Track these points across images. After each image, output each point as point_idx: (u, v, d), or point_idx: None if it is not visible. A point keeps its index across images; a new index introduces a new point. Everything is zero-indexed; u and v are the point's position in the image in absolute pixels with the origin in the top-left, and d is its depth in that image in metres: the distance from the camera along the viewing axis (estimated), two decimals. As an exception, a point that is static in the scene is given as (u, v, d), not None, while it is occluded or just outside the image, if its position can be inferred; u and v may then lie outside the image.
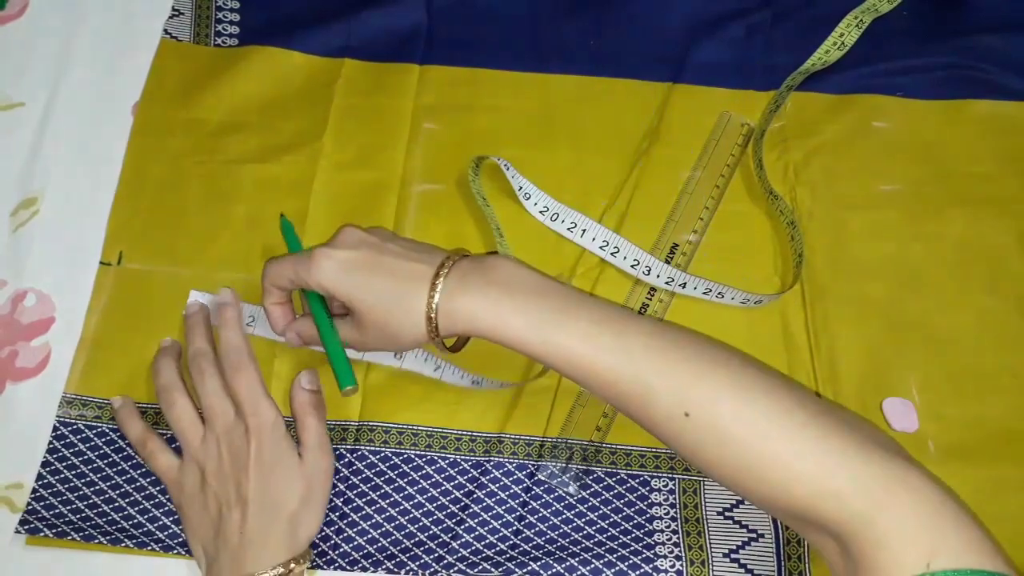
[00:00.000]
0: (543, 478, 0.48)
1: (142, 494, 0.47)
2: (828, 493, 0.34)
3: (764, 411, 0.36)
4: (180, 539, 0.46)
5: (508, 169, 0.54)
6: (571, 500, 0.48)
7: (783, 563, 0.46)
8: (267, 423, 0.44)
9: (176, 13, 0.61)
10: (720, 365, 0.38)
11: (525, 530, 0.47)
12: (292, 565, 0.42)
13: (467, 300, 0.40)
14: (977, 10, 0.62)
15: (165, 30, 0.61)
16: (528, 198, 0.54)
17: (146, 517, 0.46)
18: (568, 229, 0.54)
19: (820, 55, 0.60)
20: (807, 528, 0.36)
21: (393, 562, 0.45)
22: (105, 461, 0.48)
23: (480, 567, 0.45)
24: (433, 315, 0.40)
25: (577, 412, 0.49)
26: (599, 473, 0.48)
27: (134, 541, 0.45)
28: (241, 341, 0.47)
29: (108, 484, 0.47)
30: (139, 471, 0.48)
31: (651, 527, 0.47)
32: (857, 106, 0.59)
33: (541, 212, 0.54)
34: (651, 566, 0.45)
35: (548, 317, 0.39)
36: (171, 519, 0.46)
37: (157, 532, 0.46)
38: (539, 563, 0.45)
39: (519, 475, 0.48)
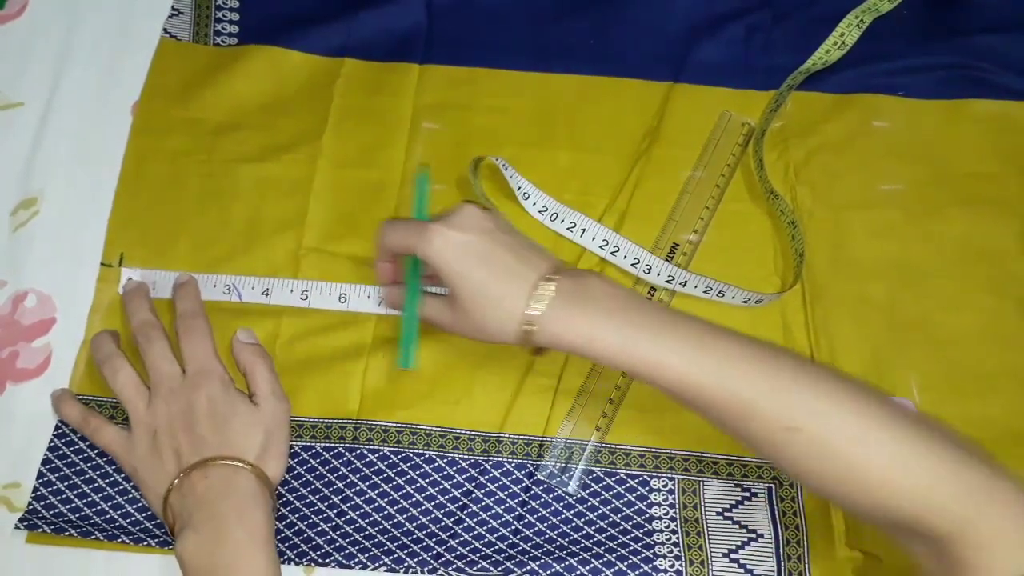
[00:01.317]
0: (542, 478, 0.48)
1: (139, 491, 0.47)
2: (934, 502, 0.35)
3: (869, 425, 0.37)
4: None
5: (506, 169, 0.54)
6: (570, 500, 0.48)
7: (783, 563, 0.46)
8: (215, 378, 0.46)
9: (176, 12, 0.61)
10: (821, 380, 0.38)
11: (524, 529, 0.47)
12: None
13: (563, 315, 0.41)
14: (977, 10, 0.62)
15: (165, 29, 0.61)
16: (527, 198, 0.54)
17: (144, 515, 0.46)
18: (568, 229, 0.54)
19: (820, 55, 0.60)
20: (903, 533, 0.37)
21: (392, 559, 0.45)
22: (105, 458, 0.48)
23: (479, 566, 0.45)
24: (527, 322, 0.41)
25: (576, 412, 0.49)
26: (598, 473, 0.48)
27: (130, 537, 0.45)
28: (198, 308, 0.49)
29: (107, 481, 0.47)
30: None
31: (650, 527, 0.47)
32: (857, 106, 0.59)
33: (540, 212, 0.54)
34: (650, 566, 0.45)
35: (644, 336, 0.40)
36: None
37: (154, 529, 0.46)
38: (538, 562, 0.45)
39: (518, 474, 0.48)
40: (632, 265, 0.52)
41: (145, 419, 0.45)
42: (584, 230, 0.53)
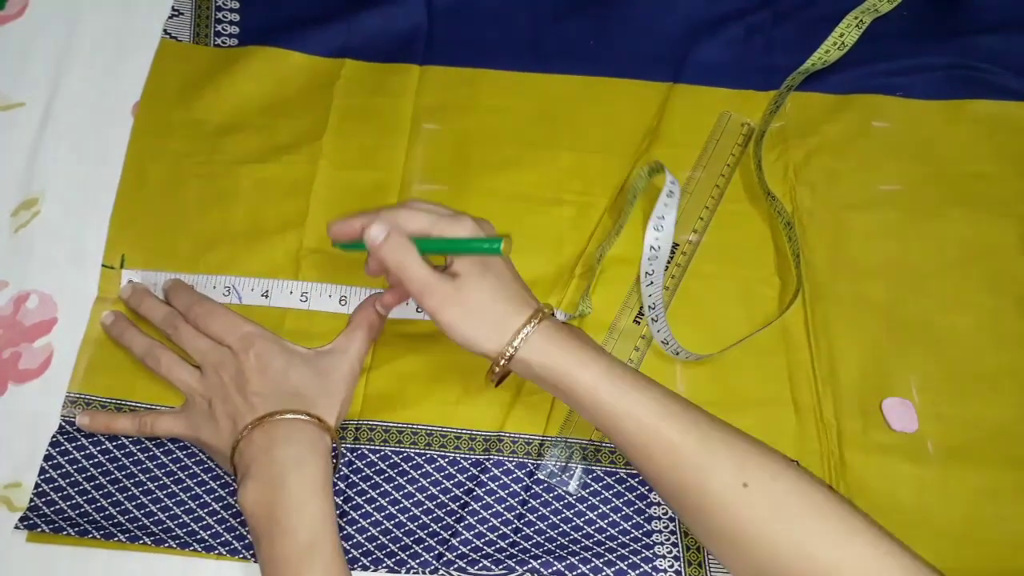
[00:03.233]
0: (543, 477, 0.48)
1: (140, 488, 0.47)
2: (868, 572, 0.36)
3: (814, 490, 0.38)
4: (174, 534, 0.46)
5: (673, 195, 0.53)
6: (571, 499, 0.48)
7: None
8: (257, 337, 0.47)
9: (176, 13, 0.61)
10: (770, 450, 0.40)
11: (525, 528, 0.47)
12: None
13: (552, 347, 0.42)
14: (977, 10, 0.62)
15: (165, 30, 0.61)
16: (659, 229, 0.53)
17: (143, 512, 0.47)
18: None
19: (820, 55, 0.60)
20: None
21: (393, 560, 0.45)
22: (107, 456, 0.48)
23: (480, 564, 0.45)
24: (517, 342, 0.41)
25: (577, 413, 0.49)
26: (598, 472, 0.48)
27: (128, 536, 0.45)
28: (195, 295, 0.50)
29: (108, 479, 0.47)
30: (139, 467, 0.48)
31: (649, 527, 0.47)
32: (857, 106, 0.59)
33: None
34: (650, 565, 0.45)
35: (622, 385, 0.41)
36: (167, 514, 0.47)
37: (152, 527, 0.46)
38: (539, 561, 0.45)
39: (519, 473, 0.48)
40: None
41: (199, 390, 0.47)
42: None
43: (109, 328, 0.51)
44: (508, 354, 0.41)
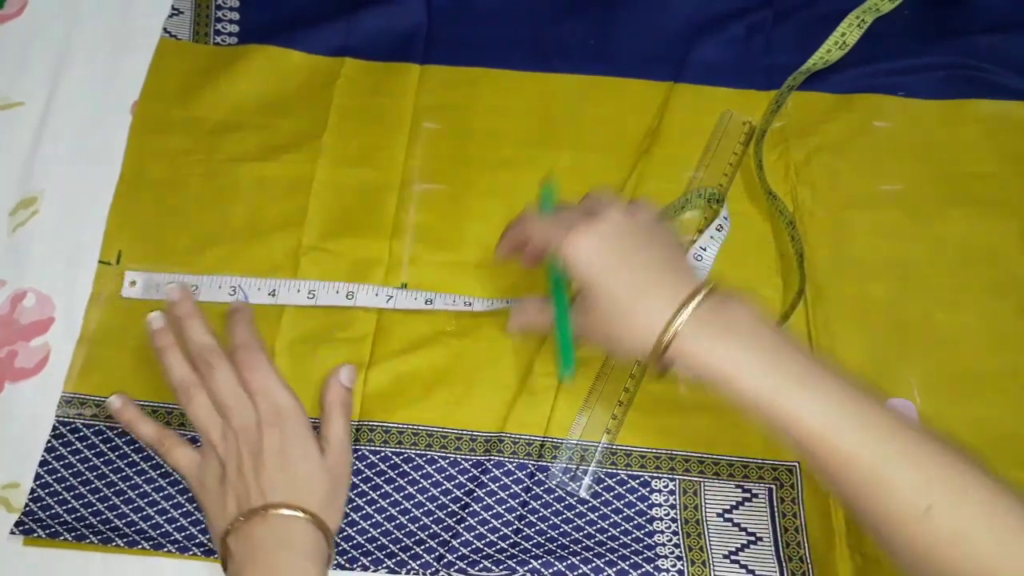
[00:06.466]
0: (553, 485, 0.48)
1: (136, 492, 0.47)
2: None
3: (1006, 508, 0.34)
4: (172, 538, 0.46)
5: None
6: (571, 500, 0.48)
7: (784, 564, 0.46)
8: (287, 416, 0.43)
9: (175, 12, 0.61)
10: (962, 462, 0.35)
11: (526, 529, 0.47)
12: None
13: (702, 344, 0.38)
14: (978, 10, 0.62)
15: (164, 29, 0.61)
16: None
17: (140, 515, 0.46)
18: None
19: (821, 54, 0.60)
20: None
21: (394, 561, 0.45)
22: (102, 459, 0.48)
23: (481, 565, 0.45)
24: (665, 342, 0.38)
25: (586, 414, 0.49)
26: (600, 474, 0.48)
27: (125, 540, 0.45)
28: (257, 338, 0.45)
29: (104, 482, 0.47)
30: (135, 469, 0.48)
31: (651, 527, 0.47)
32: (858, 105, 0.59)
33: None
34: (652, 566, 0.45)
35: (784, 383, 0.37)
36: (164, 518, 0.46)
37: (150, 531, 0.46)
38: (540, 561, 0.45)
39: (519, 474, 0.48)
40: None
41: (219, 447, 0.43)
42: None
43: (118, 412, 0.45)
44: (660, 360, 0.39)
